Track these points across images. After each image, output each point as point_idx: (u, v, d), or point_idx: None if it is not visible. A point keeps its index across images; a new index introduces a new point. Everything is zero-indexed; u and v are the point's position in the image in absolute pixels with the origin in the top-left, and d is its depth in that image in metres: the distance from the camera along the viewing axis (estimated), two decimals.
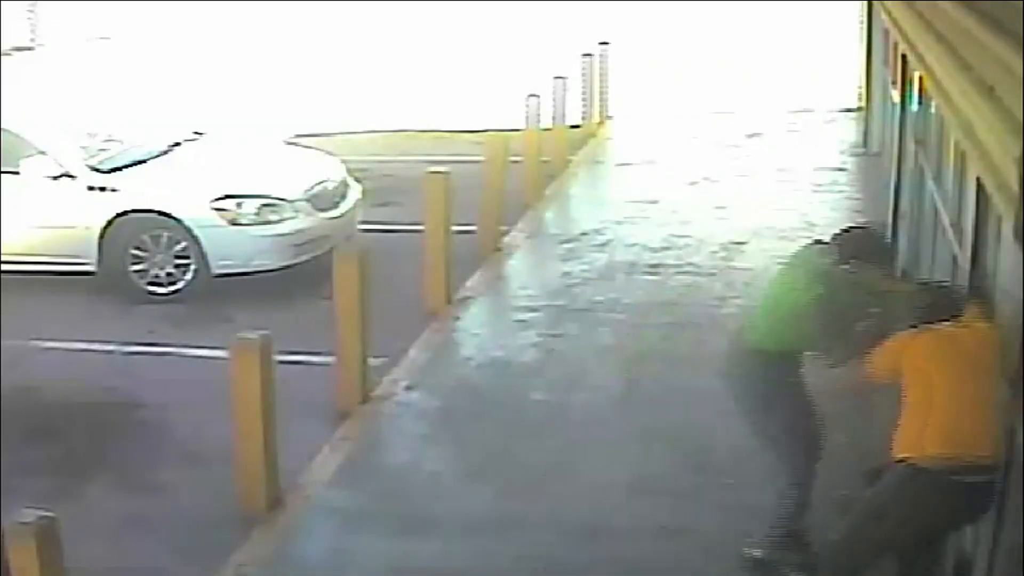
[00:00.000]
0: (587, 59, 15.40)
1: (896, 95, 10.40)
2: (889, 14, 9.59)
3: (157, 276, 10.02)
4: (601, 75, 15.92)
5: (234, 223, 9.97)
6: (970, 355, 5.09)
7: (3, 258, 9.82)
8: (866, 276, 5.81)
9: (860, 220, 6.38)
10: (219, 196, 10.01)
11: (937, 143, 8.06)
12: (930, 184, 8.28)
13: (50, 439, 7.63)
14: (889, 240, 6.28)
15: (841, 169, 13.67)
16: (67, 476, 7.12)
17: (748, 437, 7.33)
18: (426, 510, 6.65)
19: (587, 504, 6.66)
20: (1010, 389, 4.51)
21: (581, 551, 6.23)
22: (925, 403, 5.08)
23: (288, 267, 10.07)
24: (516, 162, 11.90)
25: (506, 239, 11.20)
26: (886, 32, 11.54)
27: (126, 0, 23.15)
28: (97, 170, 10.09)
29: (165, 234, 9.95)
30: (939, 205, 7.69)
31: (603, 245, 11.04)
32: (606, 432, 7.46)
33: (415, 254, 9.68)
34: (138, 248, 9.99)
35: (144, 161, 10.44)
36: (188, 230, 9.90)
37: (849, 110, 16.01)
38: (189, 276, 9.98)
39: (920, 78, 8.22)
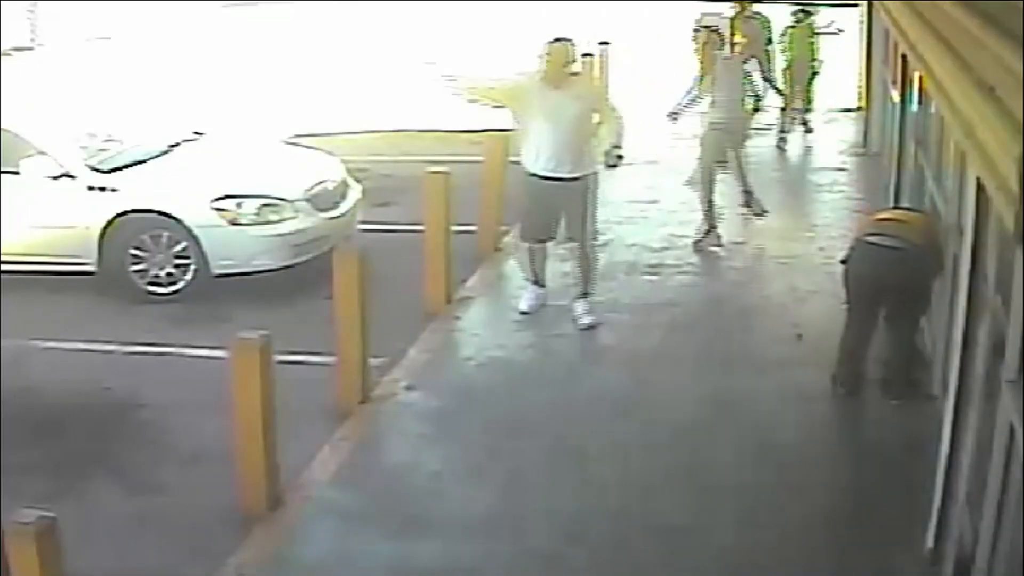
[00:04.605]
0: (587, 59, 15.38)
1: (896, 95, 10.41)
2: (889, 14, 9.59)
3: (157, 276, 10.02)
4: (601, 75, 15.91)
5: (234, 223, 9.97)
6: None
7: (3, 258, 9.81)
8: None
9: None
10: (219, 196, 10.01)
11: (937, 143, 8.06)
12: (930, 184, 8.28)
13: (50, 439, 7.63)
14: None
15: (841, 169, 13.68)
16: (67, 476, 7.12)
17: (746, 437, 7.35)
18: (426, 510, 6.65)
19: (588, 503, 6.66)
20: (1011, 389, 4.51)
21: (582, 550, 6.23)
22: None
23: (288, 267, 10.06)
24: (516, 162, 11.87)
25: (506, 239, 11.19)
26: (886, 32, 11.55)
27: (126, 0, 23.18)
28: (97, 170, 10.08)
29: (165, 234, 9.95)
30: (939, 205, 7.70)
31: (603, 245, 11.00)
32: (606, 431, 7.46)
33: (415, 254, 9.67)
34: (138, 248, 9.98)
35: (144, 161, 10.43)
36: (188, 230, 9.89)
37: (849, 110, 16.02)
38: (189, 276, 9.98)
39: (920, 78, 8.23)
